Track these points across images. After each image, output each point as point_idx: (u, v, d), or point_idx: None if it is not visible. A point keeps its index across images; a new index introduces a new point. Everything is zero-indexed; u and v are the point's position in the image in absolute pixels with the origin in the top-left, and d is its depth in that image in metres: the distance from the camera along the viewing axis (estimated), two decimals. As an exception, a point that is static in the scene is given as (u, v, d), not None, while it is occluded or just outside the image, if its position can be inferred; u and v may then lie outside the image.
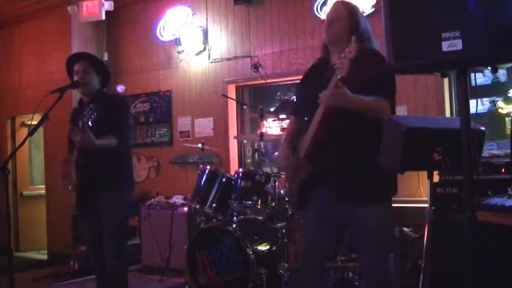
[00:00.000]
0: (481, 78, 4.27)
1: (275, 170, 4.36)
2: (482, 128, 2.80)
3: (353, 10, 2.50)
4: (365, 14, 4.83)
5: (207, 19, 5.95)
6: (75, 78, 3.29)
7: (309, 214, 2.60)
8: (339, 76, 2.22)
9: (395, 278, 2.43)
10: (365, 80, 2.30)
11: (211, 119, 5.92)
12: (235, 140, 5.75)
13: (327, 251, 2.55)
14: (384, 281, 2.38)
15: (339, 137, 2.35)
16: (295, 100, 2.96)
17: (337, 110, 2.29)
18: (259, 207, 3.83)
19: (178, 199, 5.25)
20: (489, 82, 4.40)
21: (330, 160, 2.37)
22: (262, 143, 4.31)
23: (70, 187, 3.24)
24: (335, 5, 2.56)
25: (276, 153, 2.73)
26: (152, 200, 5.37)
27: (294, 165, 2.53)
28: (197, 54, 6.00)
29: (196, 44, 5.95)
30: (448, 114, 4.55)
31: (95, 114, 2.97)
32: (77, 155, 3.13)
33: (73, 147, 3.19)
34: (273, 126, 5.74)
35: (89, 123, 2.96)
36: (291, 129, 2.72)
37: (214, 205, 4.02)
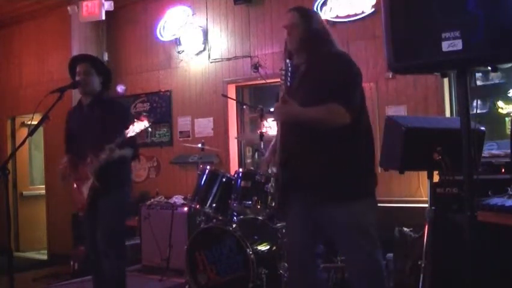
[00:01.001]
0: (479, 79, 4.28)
1: (274, 170, 4.35)
2: (482, 128, 2.80)
3: (305, 14, 2.48)
4: (365, 14, 4.86)
5: (207, 19, 5.95)
6: (76, 79, 3.31)
7: (288, 222, 2.63)
8: (281, 93, 2.29)
9: (381, 276, 2.35)
10: (321, 88, 2.29)
11: (211, 119, 5.92)
12: (235, 140, 5.75)
13: (310, 257, 2.48)
14: (366, 280, 2.33)
15: (301, 144, 2.37)
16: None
17: (290, 123, 2.35)
18: (259, 207, 3.83)
19: (178, 199, 5.25)
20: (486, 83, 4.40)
21: (299, 167, 2.39)
22: (262, 143, 4.30)
23: (76, 185, 3.32)
24: (288, 12, 2.53)
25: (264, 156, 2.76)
26: (152, 200, 5.37)
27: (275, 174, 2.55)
28: (197, 54, 6.00)
29: (196, 44, 5.95)
30: (448, 114, 4.55)
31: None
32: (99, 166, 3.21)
33: (82, 148, 3.28)
34: (273, 126, 5.74)
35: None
36: (277, 134, 2.69)
37: (214, 205, 4.01)
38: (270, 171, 4.09)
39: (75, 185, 3.34)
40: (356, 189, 2.34)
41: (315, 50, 2.40)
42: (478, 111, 4.28)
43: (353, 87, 2.32)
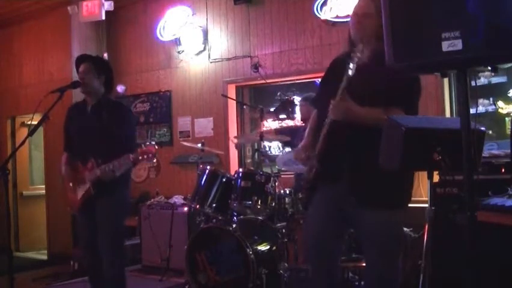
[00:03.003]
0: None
1: (275, 170, 4.36)
2: (482, 128, 2.80)
3: (379, 5, 2.35)
4: (365, 14, 4.85)
5: (207, 19, 5.95)
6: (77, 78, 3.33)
7: (314, 210, 2.52)
8: (343, 87, 2.18)
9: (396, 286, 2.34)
10: (377, 88, 2.21)
11: (211, 119, 5.92)
12: (235, 140, 5.75)
13: (333, 247, 2.44)
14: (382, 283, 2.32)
15: (349, 142, 2.30)
16: (318, 92, 2.80)
17: (343, 122, 2.24)
18: (259, 207, 3.83)
19: (178, 199, 5.25)
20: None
21: (340, 162, 2.32)
22: (262, 143, 4.30)
23: (72, 184, 3.29)
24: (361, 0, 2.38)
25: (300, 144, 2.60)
26: (152, 200, 5.37)
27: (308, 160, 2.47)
28: (197, 54, 6.00)
29: (196, 44, 5.95)
30: (448, 114, 4.55)
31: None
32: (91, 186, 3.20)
33: (78, 154, 3.27)
34: (273, 126, 5.75)
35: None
36: (314, 122, 2.62)
37: (214, 205, 4.01)
38: (270, 170, 4.11)
39: (70, 184, 3.32)
40: (398, 198, 2.31)
41: (383, 46, 2.30)
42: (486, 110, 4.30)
43: (417, 93, 2.32)
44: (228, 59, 5.79)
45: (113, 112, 3.28)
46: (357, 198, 2.30)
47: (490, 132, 4.27)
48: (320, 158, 2.37)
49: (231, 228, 3.79)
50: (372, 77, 2.27)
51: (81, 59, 3.42)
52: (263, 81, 5.40)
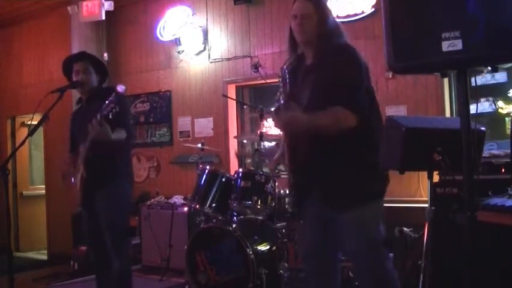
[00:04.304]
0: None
1: (282, 169, 4.35)
2: (482, 128, 2.80)
3: (319, 3, 2.31)
4: (365, 14, 4.86)
5: (207, 19, 5.95)
6: (75, 78, 3.30)
7: (302, 223, 2.53)
8: (281, 101, 2.27)
9: (388, 278, 2.29)
10: (326, 87, 2.20)
11: (211, 119, 5.92)
12: (235, 140, 5.75)
13: (327, 255, 2.41)
14: (373, 282, 2.29)
15: (309, 150, 2.29)
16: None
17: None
18: (259, 207, 3.83)
19: (178, 199, 5.26)
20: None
21: (307, 170, 2.33)
22: (262, 143, 4.30)
23: (73, 179, 3.25)
24: (301, 1, 2.33)
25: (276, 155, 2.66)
26: (152, 200, 5.37)
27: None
28: (197, 54, 6.00)
29: (196, 44, 5.95)
30: (448, 114, 4.55)
31: (114, 109, 2.90)
32: (88, 148, 3.10)
33: (81, 142, 3.19)
34: (273, 126, 5.74)
35: (109, 115, 2.91)
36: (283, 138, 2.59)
37: (214, 205, 4.01)
38: (277, 170, 4.11)
39: (72, 180, 3.30)
40: (369, 193, 2.26)
41: (326, 44, 2.27)
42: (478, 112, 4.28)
43: (358, 87, 2.21)
44: (228, 59, 5.79)
45: (104, 96, 3.22)
46: (328, 203, 2.29)
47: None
48: (292, 171, 2.39)
49: (231, 228, 3.79)
50: (315, 75, 2.29)
51: (74, 58, 3.38)
52: (263, 81, 5.40)
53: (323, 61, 2.28)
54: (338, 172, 2.25)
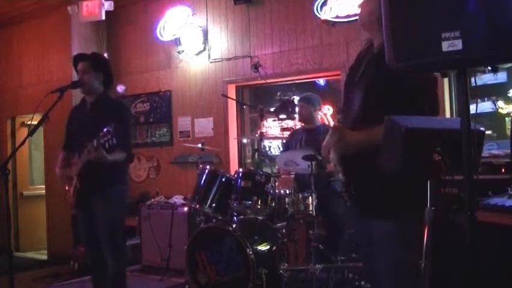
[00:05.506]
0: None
1: (275, 170, 4.36)
2: (482, 128, 2.80)
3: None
4: (365, 14, 4.86)
5: (207, 19, 5.95)
6: (77, 77, 3.32)
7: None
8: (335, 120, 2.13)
9: None
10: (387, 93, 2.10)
11: (211, 119, 5.92)
12: (235, 140, 5.76)
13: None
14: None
15: (347, 160, 2.23)
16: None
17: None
18: (259, 207, 3.83)
19: (178, 199, 5.26)
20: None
21: (347, 177, 2.28)
22: (262, 143, 4.30)
23: (67, 187, 3.27)
24: None
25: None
26: (152, 200, 5.37)
27: None
28: (197, 54, 6.00)
29: (196, 44, 5.95)
30: (447, 114, 4.55)
31: (110, 140, 2.89)
32: (83, 165, 3.10)
33: (76, 141, 3.20)
34: (273, 126, 5.75)
35: (106, 145, 2.91)
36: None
37: (214, 205, 4.01)
38: (270, 170, 4.10)
39: (66, 184, 3.31)
40: (391, 206, 2.16)
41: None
42: (478, 112, 4.28)
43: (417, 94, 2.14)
44: (228, 59, 5.79)
45: (111, 110, 3.26)
46: (361, 210, 2.25)
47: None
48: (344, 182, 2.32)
49: (231, 228, 3.79)
50: (370, 76, 2.18)
51: (78, 58, 3.41)
52: (263, 81, 5.40)
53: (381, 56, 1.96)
54: (369, 181, 2.16)
